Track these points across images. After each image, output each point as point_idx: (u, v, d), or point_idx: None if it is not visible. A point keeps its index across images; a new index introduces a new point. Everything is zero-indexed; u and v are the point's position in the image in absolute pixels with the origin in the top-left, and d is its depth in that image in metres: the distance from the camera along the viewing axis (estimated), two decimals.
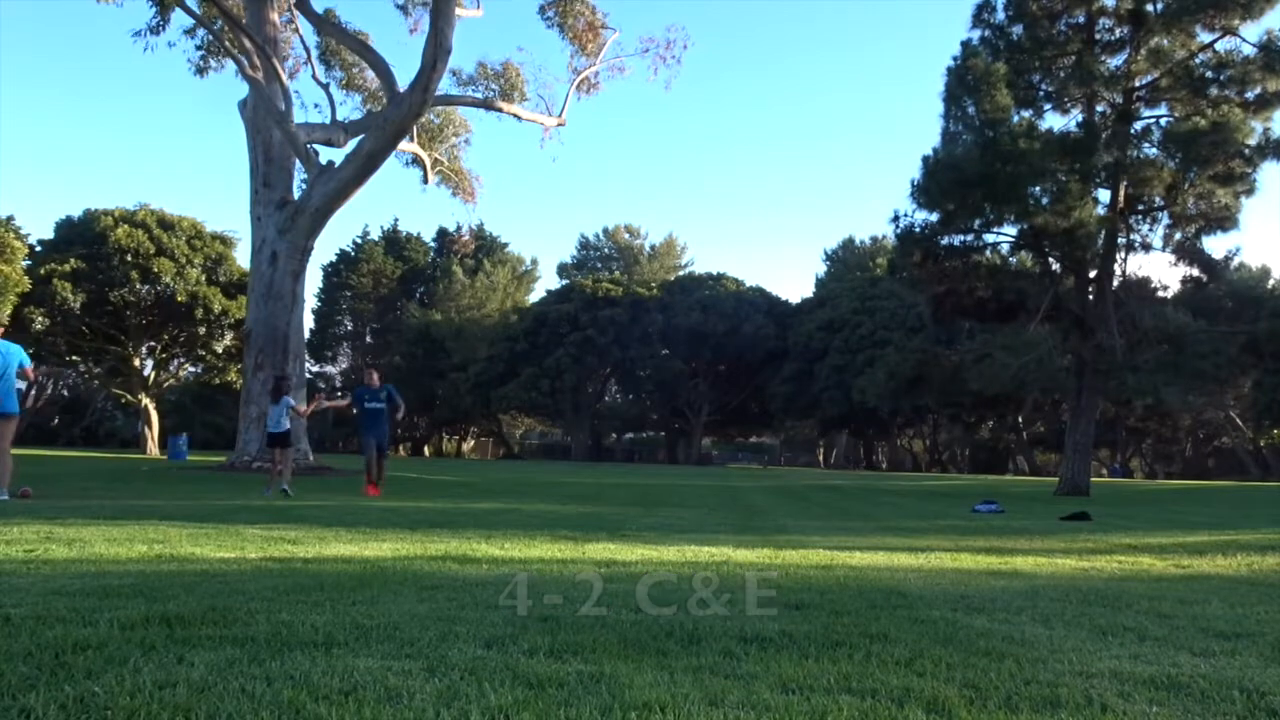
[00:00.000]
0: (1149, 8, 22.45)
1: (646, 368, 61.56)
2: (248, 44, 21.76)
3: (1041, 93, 24.11)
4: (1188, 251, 23.93)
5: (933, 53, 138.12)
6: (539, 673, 2.32)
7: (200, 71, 26.40)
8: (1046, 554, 6.53)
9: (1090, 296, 23.85)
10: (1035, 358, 21.62)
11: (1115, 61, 23.36)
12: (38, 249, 40.69)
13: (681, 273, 72.91)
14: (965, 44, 23.63)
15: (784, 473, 42.61)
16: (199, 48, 25.84)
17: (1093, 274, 23.96)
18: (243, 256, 41.84)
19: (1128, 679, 2.49)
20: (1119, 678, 2.50)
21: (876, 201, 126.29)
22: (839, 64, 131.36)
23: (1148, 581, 5.03)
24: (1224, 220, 22.76)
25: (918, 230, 23.98)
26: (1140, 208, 23.97)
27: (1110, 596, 4.22)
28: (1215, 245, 26.13)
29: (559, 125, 27.77)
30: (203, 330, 42.16)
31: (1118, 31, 23.46)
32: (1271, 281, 43.12)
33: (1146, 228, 24.22)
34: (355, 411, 13.89)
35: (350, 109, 29.10)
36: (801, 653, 2.69)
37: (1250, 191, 22.54)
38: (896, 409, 44.66)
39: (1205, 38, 22.65)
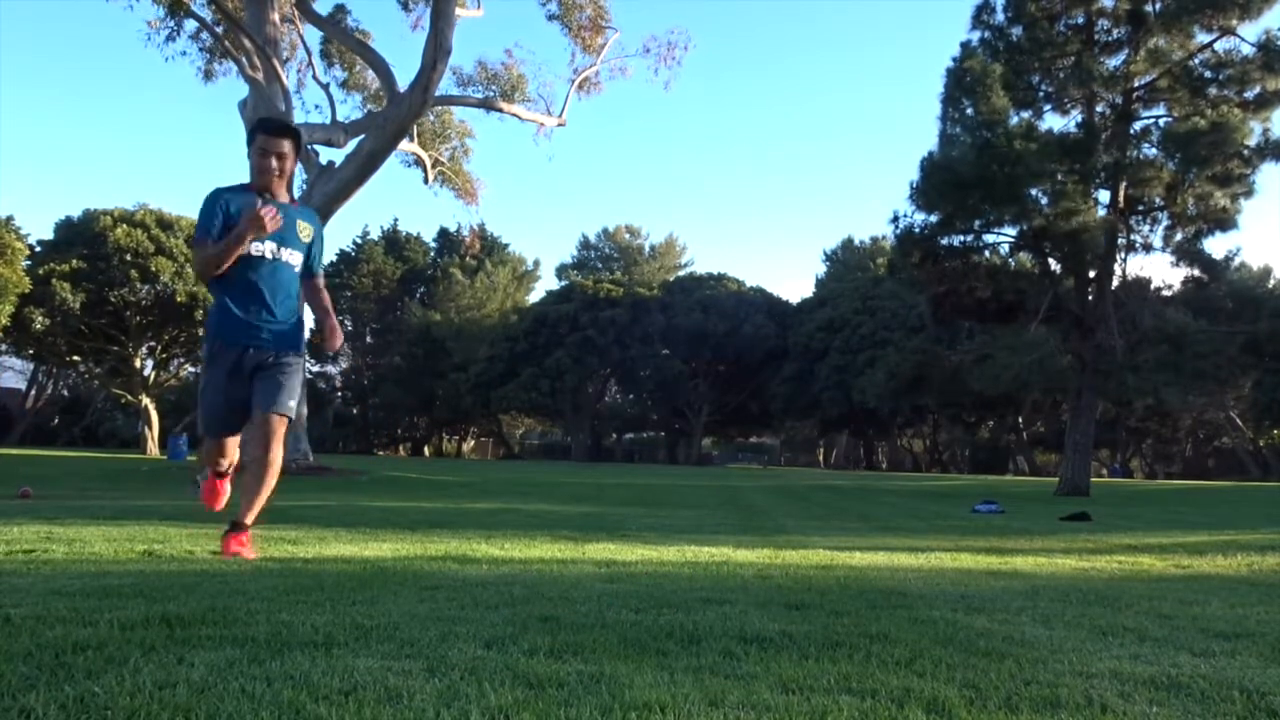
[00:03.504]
0: (1148, 8, 22.47)
1: (647, 368, 61.55)
2: (247, 44, 21.74)
3: (1041, 93, 24.12)
4: (1188, 252, 23.94)
5: (933, 53, 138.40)
6: (539, 673, 2.32)
7: (207, 76, 26.44)
8: (1046, 554, 6.52)
9: (1090, 297, 23.86)
10: (1038, 358, 21.63)
11: (1114, 62, 23.38)
12: (38, 249, 40.62)
13: (682, 273, 72.90)
14: (964, 45, 23.68)
15: (784, 473, 42.60)
16: (202, 48, 25.85)
17: (1092, 274, 23.98)
18: None
19: (1128, 679, 2.49)
20: (1119, 678, 2.50)
21: (876, 201, 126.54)
22: (839, 64, 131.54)
23: (1148, 581, 5.02)
24: (1223, 221, 22.77)
25: (917, 231, 24.00)
26: (1140, 208, 23.98)
27: (1110, 596, 4.22)
28: (1215, 245, 26.18)
29: (559, 125, 27.75)
30: (203, 330, 42.08)
31: (1116, 32, 23.49)
32: (1272, 281, 43.17)
33: (1146, 228, 24.27)
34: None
35: (350, 109, 29.11)
36: (801, 653, 2.68)
37: (1249, 193, 22.57)
38: (896, 409, 44.73)
39: (1204, 38, 22.67)
